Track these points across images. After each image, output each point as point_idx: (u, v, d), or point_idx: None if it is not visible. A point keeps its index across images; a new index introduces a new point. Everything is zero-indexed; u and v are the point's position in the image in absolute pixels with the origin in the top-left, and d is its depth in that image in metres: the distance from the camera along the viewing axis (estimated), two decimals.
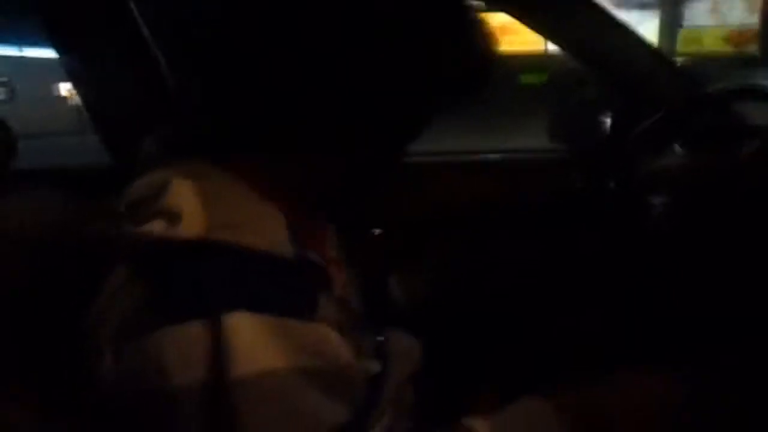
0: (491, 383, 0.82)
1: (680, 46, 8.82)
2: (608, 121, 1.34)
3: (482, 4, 1.28)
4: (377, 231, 1.31)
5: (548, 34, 1.27)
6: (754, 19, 9.06)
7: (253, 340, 0.39)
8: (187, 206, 0.43)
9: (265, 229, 0.47)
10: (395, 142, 0.54)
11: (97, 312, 0.44)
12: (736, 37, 9.17)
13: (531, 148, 1.53)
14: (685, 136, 1.01)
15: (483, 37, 0.51)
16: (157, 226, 0.42)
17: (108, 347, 0.41)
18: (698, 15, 9.10)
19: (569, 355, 0.87)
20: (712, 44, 9.26)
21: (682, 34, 9.25)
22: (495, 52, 0.52)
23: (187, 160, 0.48)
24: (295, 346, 0.41)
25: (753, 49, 9.32)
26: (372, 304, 0.71)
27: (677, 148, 1.01)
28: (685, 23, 9.29)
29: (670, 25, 8.97)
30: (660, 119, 1.01)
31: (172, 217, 0.42)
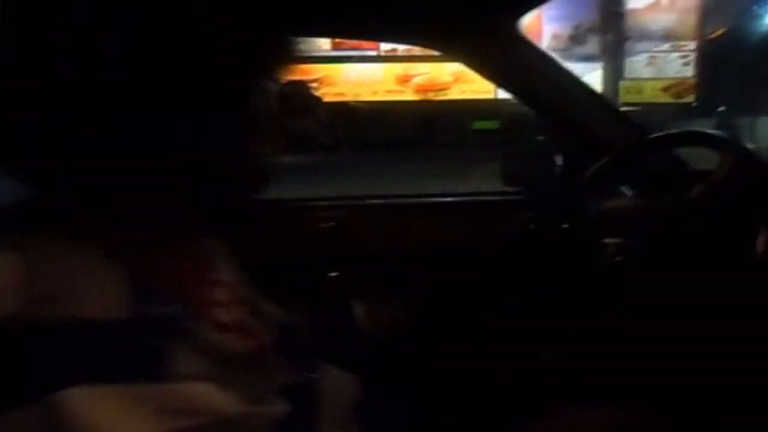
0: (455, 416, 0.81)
1: (622, 96, 9.38)
2: (558, 165, 1.38)
3: (438, 54, 1.33)
4: (334, 273, 1.30)
5: (501, 83, 1.32)
6: (689, 72, 9.76)
7: (103, 416, 0.36)
8: (2, 284, 0.40)
9: (94, 295, 0.43)
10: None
11: None
12: (674, 87, 9.83)
13: (484, 191, 1.56)
14: (632, 180, 1.04)
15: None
16: None
17: None
18: (637, 68, 9.73)
19: (524, 392, 0.87)
20: (652, 95, 9.89)
21: (623, 85, 9.86)
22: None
23: (30, 232, 0.45)
24: (156, 410, 0.38)
25: (690, 98, 10.01)
26: (317, 342, 0.69)
27: (626, 191, 1.05)
28: (626, 75, 9.91)
29: (612, 77, 9.54)
30: (607, 163, 1.04)
31: None
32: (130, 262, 0.46)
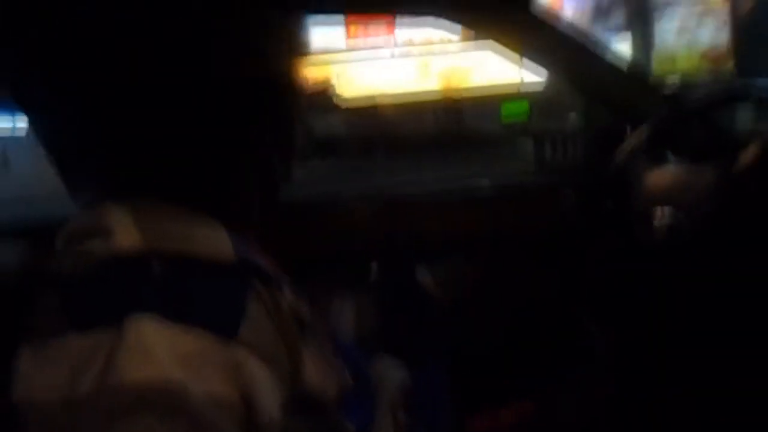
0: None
1: (656, 67, 9.05)
2: (595, 143, 1.34)
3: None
4: (374, 264, 1.29)
5: (532, 57, 1.29)
6: (723, 38, 9.34)
7: (151, 345, 0.37)
8: (119, 223, 0.43)
9: (204, 237, 0.46)
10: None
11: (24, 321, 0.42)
12: (710, 54, 9.42)
13: (522, 173, 1.52)
14: (675, 148, 1.00)
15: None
16: (90, 245, 0.42)
17: (25, 350, 0.39)
18: (668, 37, 9.36)
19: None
20: (688, 64, 9.50)
21: (656, 55, 9.50)
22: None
23: (136, 199, 0.48)
24: (196, 362, 0.38)
25: (729, 65, 9.57)
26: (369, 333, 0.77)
27: (671, 159, 1.00)
28: (657, 45, 9.56)
29: (643, 47, 9.22)
30: (647, 132, 1.01)
31: (106, 234, 0.42)
32: (228, 228, 0.48)
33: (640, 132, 1.01)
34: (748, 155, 0.84)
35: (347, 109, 4.15)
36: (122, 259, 0.42)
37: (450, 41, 5.33)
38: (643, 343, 0.94)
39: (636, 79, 1.27)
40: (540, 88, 3.58)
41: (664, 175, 0.96)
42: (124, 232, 0.43)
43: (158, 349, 0.37)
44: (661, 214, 0.89)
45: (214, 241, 0.46)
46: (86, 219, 0.46)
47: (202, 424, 0.37)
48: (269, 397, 0.42)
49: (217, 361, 0.40)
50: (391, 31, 5.61)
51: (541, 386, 0.81)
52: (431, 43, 5.77)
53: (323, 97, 4.14)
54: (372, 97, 5.22)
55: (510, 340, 1.10)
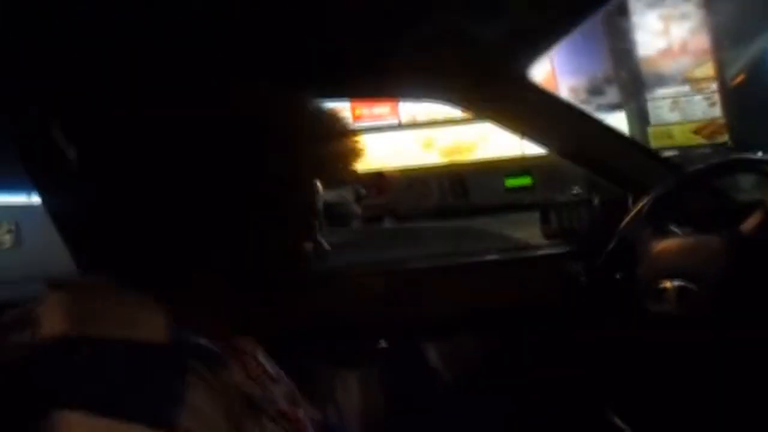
0: None
1: (653, 142, 9.24)
2: (600, 214, 1.36)
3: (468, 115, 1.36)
4: (383, 343, 1.27)
5: (524, 132, 1.34)
6: (716, 112, 9.59)
7: None
8: (48, 311, 0.43)
9: (141, 321, 0.44)
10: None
11: None
12: (705, 129, 9.64)
13: (529, 244, 1.53)
14: (678, 218, 1.01)
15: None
16: (20, 336, 0.42)
17: None
18: (662, 113, 9.64)
19: None
20: (683, 138, 9.70)
21: (651, 131, 9.73)
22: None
23: (85, 278, 0.49)
24: None
25: (724, 139, 9.76)
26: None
27: (675, 230, 1.01)
28: (652, 121, 9.81)
29: (638, 123, 9.46)
30: (652, 202, 1.02)
31: (34, 324, 0.42)
32: (174, 309, 0.48)
33: (643, 202, 1.03)
34: (752, 222, 0.85)
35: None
36: (47, 347, 0.41)
37: (452, 119, 5.48)
38: (664, 417, 0.92)
39: (637, 150, 1.30)
40: (543, 160, 3.66)
41: (669, 245, 0.97)
42: (51, 320, 0.42)
43: None
44: (672, 287, 0.89)
45: (150, 325, 0.44)
46: (20, 310, 0.46)
47: None
48: None
49: None
50: (395, 109, 5.80)
51: None
52: (435, 121, 5.93)
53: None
54: (379, 169, 5.27)
55: (519, 416, 1.07)
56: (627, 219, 1.05)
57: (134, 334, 0.43)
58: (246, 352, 0.58)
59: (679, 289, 0.88)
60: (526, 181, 4.80)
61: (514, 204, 4.24)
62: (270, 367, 0.63)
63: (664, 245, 0.96)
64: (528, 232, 1.89)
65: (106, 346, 0.41)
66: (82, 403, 0.37)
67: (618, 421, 0.97)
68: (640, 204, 1.04)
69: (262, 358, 0.63)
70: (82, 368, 0.39)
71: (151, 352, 0.42)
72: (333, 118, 0.56)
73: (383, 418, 0.89)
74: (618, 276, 1.02)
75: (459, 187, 5.68)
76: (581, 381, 1.07)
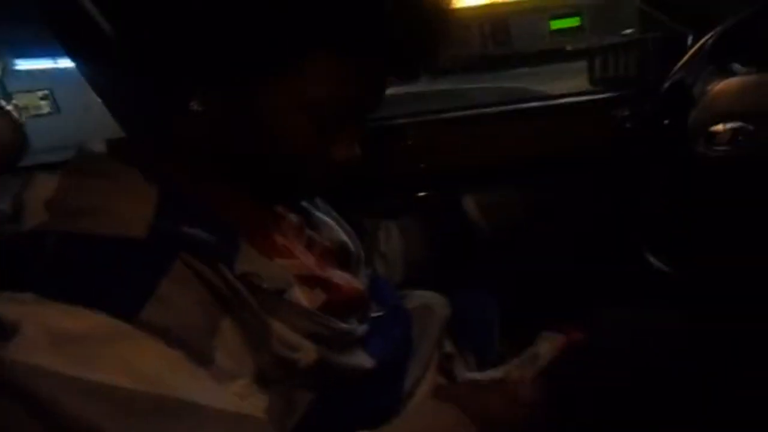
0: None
1: None
2: (652, 55, 1.26)
3: None
4: (422, 194, 1.28)
5: None
6: None
7: (24, 326, 0.36)
8: (30, 201, 0.44)
9: (120, 212, 0.44)
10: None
11: None
12: None
13: (574, 92, 1.45)
14: (744, 57, 0.92)
15: None
16: (7, 226, 0.44)
17: None
18: None
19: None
20: None
21: None
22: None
23: (88, 156, 0.50)
24: (71, 345, 0.36)
25: None
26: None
27: (737, 68, 0.93)
28: None
29: None
30: (714, 38, 0.93)
31: (19, 211, 0.44)
32: (175, 182, 0.49)
33: (707, 36, 0.93)
34: None
35: None
36: (22, 238, 0.42)
37: None
38: (705, 272, 0.91)
39: None
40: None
41: (730, 86, 0.89)
42: (32, 212, 0.43)
43: (29, 330, 0.36)
44: (726, 130, 0.84)
45: (130, 216, 0.44)
46: (16, 196, 0.47)
47: (64, 413, 0.35)
48: (176, 378, 0.39)
49: (103, 342, 0.37)
50: None
51: (592, 316, 0.80)
52: None
53: None
54: None
55: (560, 267, 1.09)
56: (685, 57, 0.96)
57: (111, 226, 0.43)
58: (268, 227, 0.58)
59: (734, 130, 0.82)
60: (574, 22, 4.44)
61: (560, 49, 3.97)
62: (319, 223, 0.65)
63: (723, 85, 0.88)
64: (575, 82, 1.79)
65: (76, 238, 0.41)
66: (35, 288, 0.38)
67: (653, 260, 0.98)
68: (704, 38, 0.94)
69: (297, 221, 0.63)
70: (46, 258, 0.40)
71: (124, 244, 0.42)
72: None
73: (425, 265, 0.93)
74: (666, 122, 0.96)
75: (502, 32, 5.32)
76: (620, 225, 1.07)
